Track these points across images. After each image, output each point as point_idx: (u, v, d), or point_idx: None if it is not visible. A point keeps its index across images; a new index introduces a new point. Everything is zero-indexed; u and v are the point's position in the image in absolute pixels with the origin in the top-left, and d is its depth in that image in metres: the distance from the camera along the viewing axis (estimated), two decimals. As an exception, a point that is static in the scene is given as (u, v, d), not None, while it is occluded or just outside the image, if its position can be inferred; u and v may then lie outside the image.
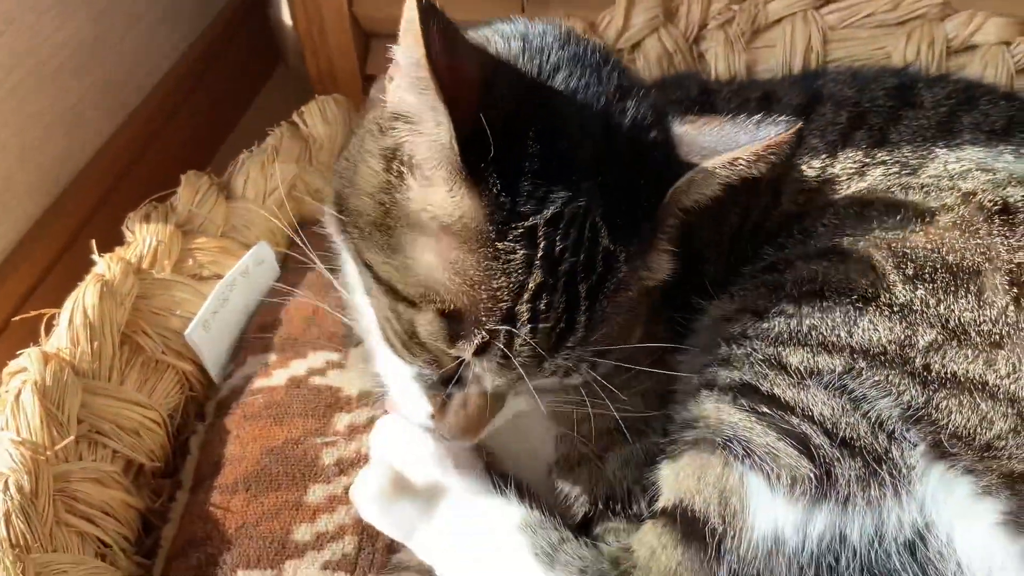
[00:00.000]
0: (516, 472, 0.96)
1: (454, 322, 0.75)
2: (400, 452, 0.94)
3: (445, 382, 0.81)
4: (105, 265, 1.06)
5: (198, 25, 1.78)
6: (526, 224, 0.73)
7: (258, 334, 1.12)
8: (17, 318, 1.11)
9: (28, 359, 0.97)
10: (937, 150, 0.94)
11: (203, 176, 1.17)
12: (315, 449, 1.01)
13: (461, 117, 0.70)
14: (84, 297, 1.02)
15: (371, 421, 1.05)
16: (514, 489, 0.91)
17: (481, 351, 0.76)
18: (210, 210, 1.15)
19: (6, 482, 0.87)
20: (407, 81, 0.72)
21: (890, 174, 0.93)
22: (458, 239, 0.74)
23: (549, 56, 0.80)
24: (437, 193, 0.75)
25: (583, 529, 0.93)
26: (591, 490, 0.93)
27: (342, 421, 1.04)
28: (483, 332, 0.74)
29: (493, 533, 0.88)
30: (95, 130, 1.56)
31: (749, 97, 1.04)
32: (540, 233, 0.73)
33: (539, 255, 0.73)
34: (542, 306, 0.74)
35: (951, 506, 0.77)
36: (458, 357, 0.77)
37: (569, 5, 1.62)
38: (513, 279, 0.73)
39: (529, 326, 0.74)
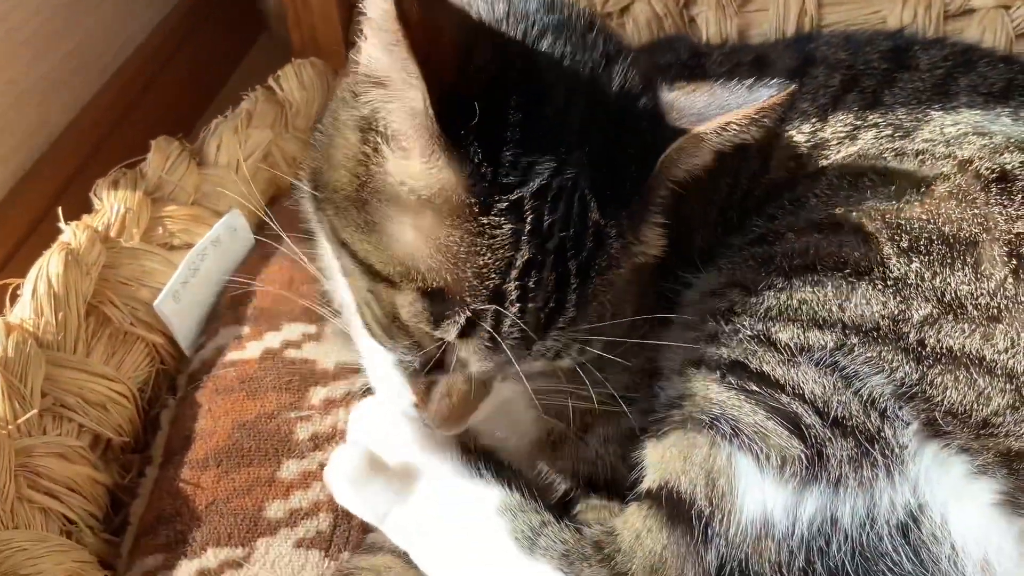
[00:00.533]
0: (496, 449, 0.93)
1: (437, 302, 0.71)
2: (376, 433, 0.91)
3: (428, 368, 0.78)
4: (71, 233, 1.03)
5: (180, -12, 1.74)
6: (511, 197, 0.69)
7: (230, 305, 1.08)
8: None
9: (-11, 331, 0.94)
10: (932, 112, 0.90)
11: (174, 142, 1.13)
12: (289, 424, 0.98)
13: (436, 79, 0.66)
14: (48, 266, 0.98)
15: (348, 395, 1.02)
16: (493, 470, 0.87)
17: (466, 333, 0.72)
18: (181, 177, 1.11)
19: (-36, 457, 0.84)
20: (378, 37, 0.68)
21: (882, 136, 0.90)
22: (439, 214, 0.70)
23: (534, 22, 0.76)
24: (415, 165, 0.71)
25: (564, 508, 0.90)
26: (573, 467, 0.91)
27: (318, 395, 1.01)
28: (468, 312, 0.70)
29: (470, 516, 0.85)
30: (71, 98, 1.52)
31: (741, 61, 1.01)
32: (527, 206, 0.70)
33: (527, 230, 0.70)
34: (531, 284, 0.70)
35: (945, 486, 0.74)
36: (441, 340, 0.73)
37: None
38: (500, 256, 0.70)
39: (518, 305, 0.70)
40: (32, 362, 0.93)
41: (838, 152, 0.92)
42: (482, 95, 0.68)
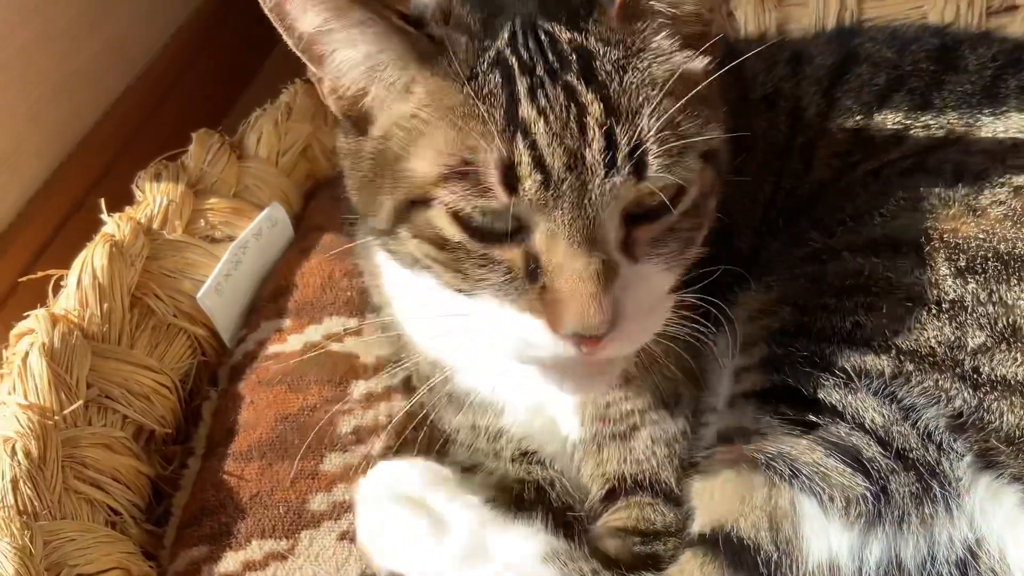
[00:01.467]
0: (537, 449, 0.92)
1: (471, 178, 0.68)
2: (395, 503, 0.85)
3: (528, 273, 0.70)
4: (114, 225, 1.03)
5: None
6: (489, 53, 0.71)
7: (272, 298, 1.08)
8: (24, 279, 1.08)
9: (36, 321, 0.94)
10: (983, 118, 0.89)
11: (214, 134, 1.13)
12: (332, 417, 0.98)
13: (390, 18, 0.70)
14: (93, 258, 0.98)
15: (388, 390, 1.01)
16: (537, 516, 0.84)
17: (512, 183, 0.67)
18: (222, 170, 1.12)
19: (13, 447, 0.84)
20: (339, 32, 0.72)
21: (934, 139, 0.89)
22: (443, 110, 0.70)
23: None
24: (405, 98, 0.73)
25: (605, 504, 0.89)
26: (618, 468, 0.90)
27: (359, 389, 1.01)
28: (494, 153, 0.67)
29: (512, 567, 0.80)
30: (105, 89, 1.53)
31: (777, 60, 1.00)
32: (506, 53, 0.71)
33: (515, 67, 0.70)
34: (542, 101, 0.68)
35: (1000, 518, 0.73)
36: (502, 212, 0.68)
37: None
38: (498, 94, 0.69)
39: (544, 123, 0.67)
40: (78, 353, 0.93)
41: (887, 154, 0.91)
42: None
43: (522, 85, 0.69)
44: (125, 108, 1.55)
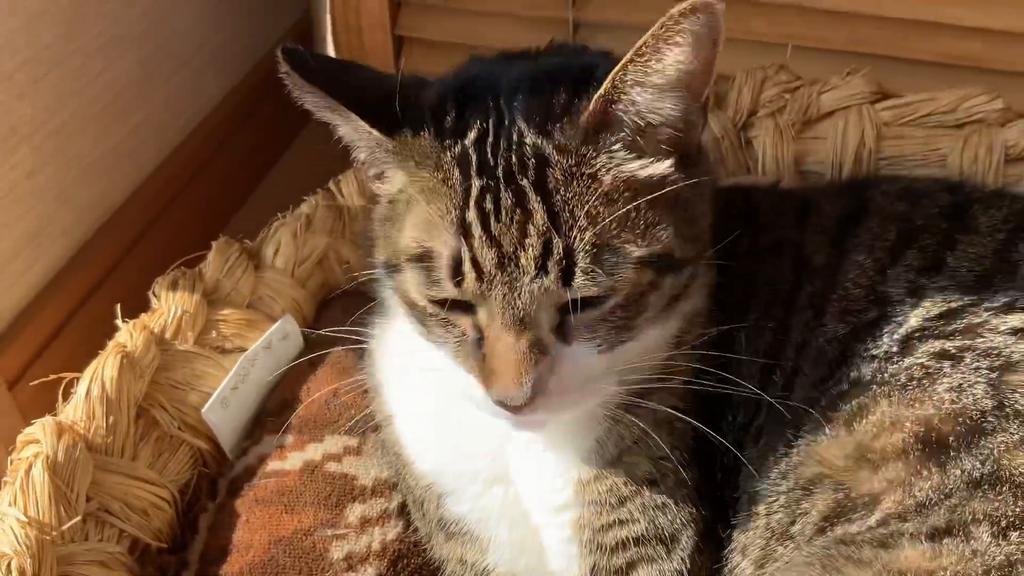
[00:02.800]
0: None
1: (425, 261, 0.77)
2: None
3: (474, 341, 0.78)
4: (128, 334, 1.05)
5: (243, 68, 1.78)
6: (456, 149, 0.78)
7: (275, 412, 1.10)
8: (35, 383, 1.10)
9: (41, 431, 0.96)
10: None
11: (234, 244, 1.16)
12: (324, 542, 0.99)
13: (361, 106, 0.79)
14: (104, 369, 1.00)
15: (384, 514, 1.02)
16: None
17: (458, 276, 0.75)
18: (238, 280, 1.14)
19: (8, 565, 0.86)
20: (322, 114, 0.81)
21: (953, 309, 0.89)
22: (422, 193, 0.79)
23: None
24: (395, 177, 0.83)
25: None
26: None
27: (354, 513, 1.02)
28: (446, 248, 0.75)
29: None
30: (133, 170, 1.56)
31: (788, 208, 1.01)
32: (470, 150, 0.77)
33: (474, 167, 0.76)
34: (488, 204, 0.75)
35: None
36: (450, 301, 0.77)
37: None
38: (456, 191, 0.76)
39: (481, 228, 0.75)
40: (80, 467, 0.95)
41: (902, 312, 0.91)
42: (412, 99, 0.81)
43: (475, 186, 0.76)
44: (154, 188, 1.58)
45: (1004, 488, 0.76)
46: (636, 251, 0.76)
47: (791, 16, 1.49)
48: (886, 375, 0.86)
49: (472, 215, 0.75)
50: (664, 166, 0.79)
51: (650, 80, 0.75)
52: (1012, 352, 0.83)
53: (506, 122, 0.78)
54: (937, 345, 0.87)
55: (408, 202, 0.81)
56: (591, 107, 0.76)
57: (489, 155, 0.77)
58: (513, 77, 0.82)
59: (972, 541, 0.73)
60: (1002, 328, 0.86)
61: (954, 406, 0.81)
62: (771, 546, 0.85)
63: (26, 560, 0.86)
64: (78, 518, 0.92)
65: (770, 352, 0.94)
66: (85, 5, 1.39)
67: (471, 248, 0.75)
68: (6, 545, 0.87)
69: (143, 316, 1.09)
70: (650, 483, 0.89)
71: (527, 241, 0.74)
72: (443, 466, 0.96)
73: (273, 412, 1.10)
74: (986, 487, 0.76)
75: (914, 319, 0.89)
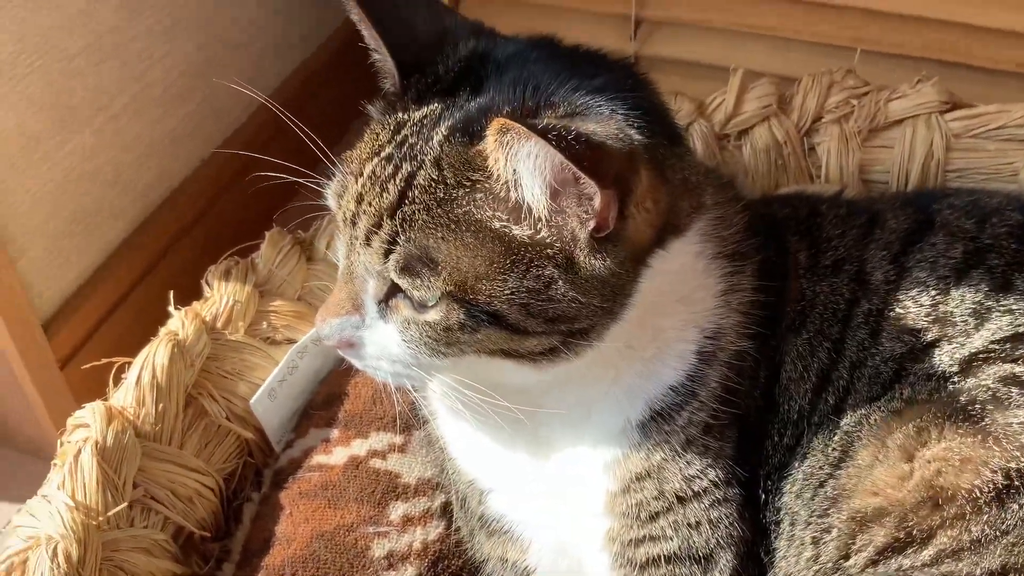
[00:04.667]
0: None
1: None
2: None
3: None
4: (179, 321, 1.05)
5: (301, 55, 1.78)
6: (400, 115, 0.81)
7: (323, 405, 1.10)
8: (87, 366, 1.11)
9: (92, 414, 0.96)
10: None
11: (287, 235, 1.16)
12: (366, 538, 0.99)
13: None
14: (155, 356, 1.01)
15: (426, 514, 1.02)
16: None
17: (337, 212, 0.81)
18: (290, 272, 1.14)
19: (55, 549, 0.86)
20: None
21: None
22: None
23: None
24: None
25: None
26: None
27: (397, 511, 1.02)
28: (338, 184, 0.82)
29: None
30: (191, 152, 1.58)
31: (854, 224, 0.98)
32: (406, 124, 0.80)
33: (398, 135, 0.79)
34: (379, 169, 0.78)
35: None
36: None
37: (683, 74, 1.59)
38: (374, 146, 0.80)
39: (360, 183, 0.78)
40: (128, 453, 0.96)
41: (967, 336, 0.88)
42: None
43: (385, 151, 0.79)
44: (208, 174, 1.59)
45: None
46: (443, 285, 0.75)
47: (860, 19, 1.46)
48: (944, 395, 0.84)
49: (367, 169, 0.79)
50: (527, 232, 0.75)
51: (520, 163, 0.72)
52: None
53: (448, 112, 0.79)
54: (1006, 369, 0.84)
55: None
56: (478, 148, 0.75)
57: (406, 133, 0.79)
58: (504, 80, 0.80)
59: None
60: None
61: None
62: None
63: (72, 545, 0.87)
64: (124, 504, 0.93)
65: (824, 371, 0.91)
66: (148, -12, 1.40)
67: (345, 193, 0.80)
68: (53, 529, 0.88)
69: (195, 304, 1.10)
70: (681, 500, 0.88)
71: (370, 210, 0.77)
72: (484, 464, 0.96)
73: (320, 406, 1.10)
74: None
75: (979, 340, 0.87)
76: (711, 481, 0.88)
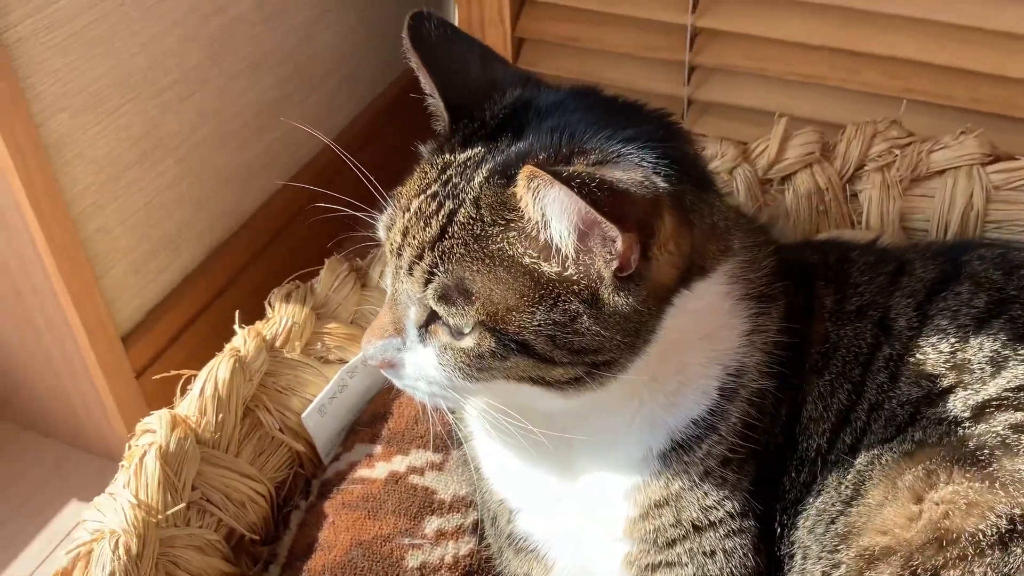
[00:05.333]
0: None
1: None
2: None
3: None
4: (242, 339, 1.14)
5: (373, 91, 1.88)
6: (447, 156, 0.86)
7: (369, 422, 1.17)
8: (157, 377, 1.20)
9: (158, 421, 1.05)
10: None
11: (344, 263, 1.24)
12: (401, 549, 1.05)
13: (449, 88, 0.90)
14: (218, 370, 1.09)
15: (459, 530, 1.08)
16: None
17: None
18: (345, 296, 1.22)
19: (117, 542, 0.95)
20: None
21: None
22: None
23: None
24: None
25: None
26: None
27: (431, 525, 1.08)
28: (388, 218, 0.88)
29: None
30: (263, 185, 1.68)
31: (881, 272, 1.01)
32: (451, 166, 0.85)
33: (443, 175, 0.84)
34: (424, 204, 0.84)
35: None
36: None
37: (735, 118, 1.63)
38: (420, 184, 0.86)
39: (406, 217, 0.84)
40: (189, 458, 1.04)
41: (983, 383, 0.90)
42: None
43: (431, 188, 0.84)
44: (280, 202, 1.70)
45: None
46: (476, 314, 0.80)
47: (910, 70, 1.48)
48: (954, 439, 0.86)
49: (414, 205, 0.84)
50: (555, 269, 0.80)
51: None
52: None
53: (490, 156, 0.84)
54: (1018, 417, 0.86)
55: None
56: (512, 190, 0.80)
57: (451, 173, 0.84)
58: (543, 127, 0.85)
59: None
60: None
61: None
62: None
63: (132, 539, 0.96)
64: (182, 505, 1.01)
65: (843, 411, 0.95)
66: (233, 30, 1.51)
67: (394, 226, 0.86)
68: (116, 524, 0.97)
69: (257, 323, 1.18)
70: (697, 529, 0.92)
71: (414, 242, 0.83)
72: (513, 484, 1.01)
73: (365, 423, 1.18)
74: None
75: (993, 388, 0.89)
76: (727, 512, 0.92)
